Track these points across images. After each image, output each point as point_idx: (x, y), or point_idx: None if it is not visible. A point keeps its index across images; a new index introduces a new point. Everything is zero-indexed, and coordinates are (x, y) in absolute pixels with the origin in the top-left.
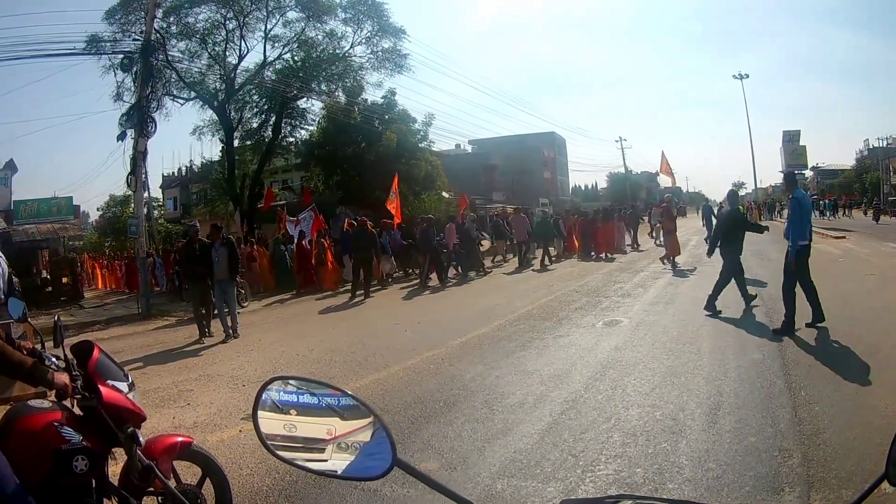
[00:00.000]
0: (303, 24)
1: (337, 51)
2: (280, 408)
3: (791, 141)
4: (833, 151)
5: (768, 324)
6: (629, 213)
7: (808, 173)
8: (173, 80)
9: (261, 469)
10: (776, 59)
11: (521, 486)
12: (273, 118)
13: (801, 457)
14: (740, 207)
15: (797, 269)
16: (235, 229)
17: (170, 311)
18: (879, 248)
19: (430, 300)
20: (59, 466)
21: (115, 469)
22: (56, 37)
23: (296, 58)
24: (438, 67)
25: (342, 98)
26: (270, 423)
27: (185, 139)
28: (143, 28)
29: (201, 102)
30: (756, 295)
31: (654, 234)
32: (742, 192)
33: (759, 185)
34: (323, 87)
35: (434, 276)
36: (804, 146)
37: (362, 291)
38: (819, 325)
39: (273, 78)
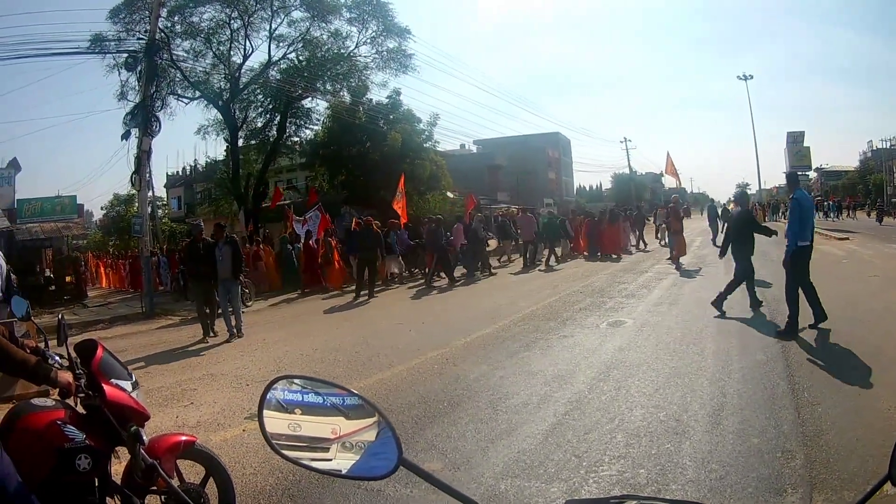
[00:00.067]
0: (307, 23)
1: (342, 50)
2: (285, 407)
3: (795, 142)
4: (837, 153)
5: (772, 325)
6: (635, 213)
7: (812, 174)
8: (178, 79)
9: (264, 468)
10: (780, 59)
11: (525, 487)
12: (278, 118)
13: (804, 458)
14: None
15: (795, 269)
16: (240, 228)
17: (173, 310)
18: (882, 250)
19: (434, 300)
20: (62, 465)
21: (118, 468)
22: (60, 36)
23: (300, 57)
24: (443, 67)
25: (347, 98)
26: (275, 422)
27: (189, 138)
28: (148, 27)
29: (206, 102)
30: (762, 301)
31: (658, 235)
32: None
33: (763, 186)
34: (328, 86)
35: (440, 275)
36: (808, 147)
37: (367, 291)
38: (822, 324)
39: (278, 77)
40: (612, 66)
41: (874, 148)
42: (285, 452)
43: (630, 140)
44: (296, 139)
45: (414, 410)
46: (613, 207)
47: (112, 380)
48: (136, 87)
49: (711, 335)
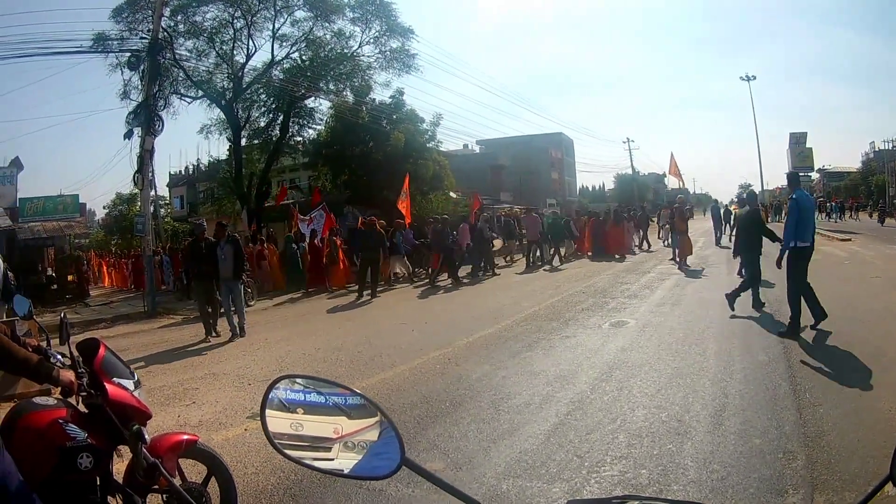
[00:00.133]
0: (311, 23)
1: (345, 50)
2: (287, 406)
3: (797, 143)
4: (839, 153)
5: (774, 326)
6: (639, 214)
7: (815, 175)
8: (181, 78)
9: (266, 468)
10: (783, 60)
11: (527, 487)
12: (281, 117)
13: (806, 459)
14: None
15: (795, 270)
16: (242, 228)
17: (176, 309)
18: (884, 251)
19: (437, 300)
20: (64, 463)
21: (119, 467)
22: (63, 35)
23: (304, 57)
24: (446, 67)
25: (350, 97)
26: (278, 421)
27: (192, 138)
28: (151, 26)
29: (209, 101)
30: (765, 302)
31: (661, 236)
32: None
33: (765, 187)
34: (331, 86)
35: (445, 275)
36: (810, 148)
37: (369, 291)
38: (824, 326)
39: (281, 77)
40: (613, 67)
41: (876, 149)
42: (287, 452)
43: (633, 140)
44: (299, 139)
45: (416, 410)
46: (617, 208)
47: (114, 379)
48: (139, 87)
49: (713, 336)
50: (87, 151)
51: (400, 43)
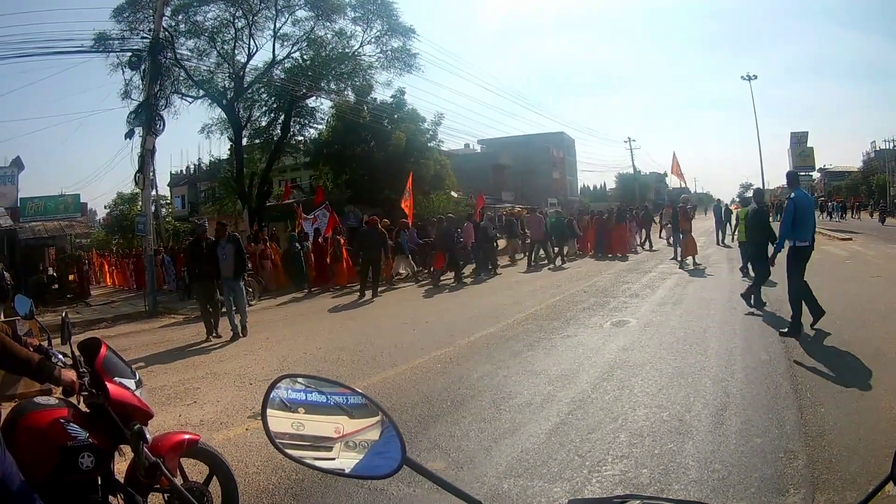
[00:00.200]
0: (312, 23)
1: (346, 50)
2: (288, 406)
3: (799, 142)
4: (840, 153)
5: (775, 325)
6: (642, 213)
7: (816, 175)
8: (182, 78)
9: (267, 467)
10: (784, 60)
11: (528, 486)
12: (282, 117)
13: (807, 458)
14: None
15: (795, 269)
16: (244, 227)
17: (177, 308)
18: (885, 251)
19: (438, 299)
20: (65, 463)
21: (121, 466)
22: (64, 34)
23: (305, 56)
24: (448, 67)
25: (351, 97)
26: (279, 421)
27: (193, 137)
28: (152, 26)
29: (210, 101)
30: (766, 302)
31: (662, 235)
32: (749, 194)
33: (766, 186)
34: (332, 85)
35: (449, 274)
36: (811, 148)
37: (371, 290)
38: (825, 326)
39: (282, 77)
40: (615, 66)
41: (877, 148)
42: (289, 451)
43: (634, 140)
44: (300, 138)
45: (417, 409)
46: (620, 207)
47: (116, 378)
48: (140, 86)
49: (715, 335)
50: (88, 151)
51: (401, 42)
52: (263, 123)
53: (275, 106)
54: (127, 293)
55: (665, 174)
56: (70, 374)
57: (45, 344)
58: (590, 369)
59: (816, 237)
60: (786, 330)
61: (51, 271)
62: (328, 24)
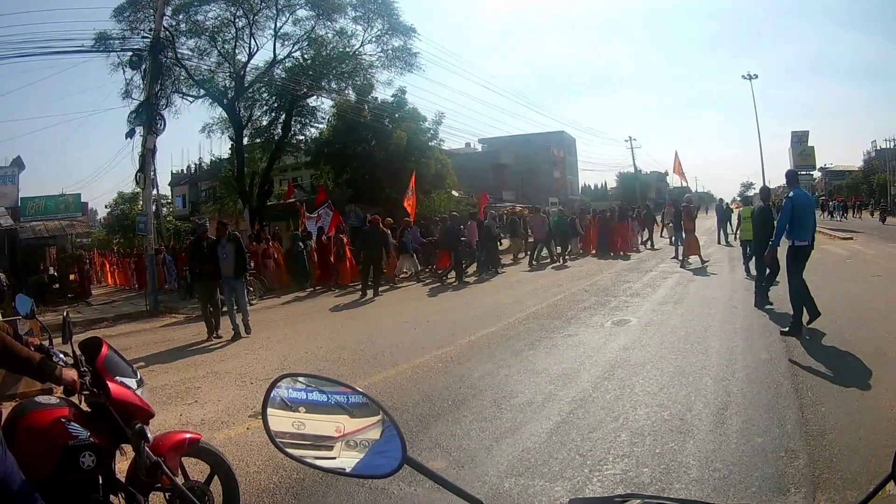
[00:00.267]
0: (313, 22)
1: (347, 49)
2: (289, 405)
3: (799, 142)
4: (841, 152)
5: (776, 324)
6: (644, 213)
7: (817, 174)
8: (182, 77)
9: (268, 466)
10: (785, 59)
11: (529, 485)
12: (283, 116)
13: (807, 457)
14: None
15: (789, 267)
16: (245, 227)
17: (178, 308)
18: (886, 250)
19: (439, 298)
20: (66, 462)
21: (122, 465)
22: (64, 34)
23: (305, 56)
24: (448, 66)
25: (352, 96)
26: (279, 420)
27: (194, 137)
28: (152, 25)
29: (211, 100)
30: (772, 303)
31: (664, 234)
32: (750, 193)
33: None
34: (333, 85)
35: (453, 273)
36: (812, 147)
37: (372, 289)
38: (825, 324)
39: (283, 76)
40: (615, 65)
41: (878, 147)
42: (289, 450)
43: (635, 139)
44: (301, 137)
45: (418, 409)
46: (622, 206)
47: (117, 377)
48: (141, 86)
49: (716, 334)
50: (88, 151)
51: (402, 42)
52: (264, 123)
53: (276, 105)
54: (128, 293)
55: (666, 173)
56: (71, 374)
57: (46, 343)
58: (591, 368)
59: (817, 236)
60: (786, 329)
61: (52, 271)
62: (329, 23)
